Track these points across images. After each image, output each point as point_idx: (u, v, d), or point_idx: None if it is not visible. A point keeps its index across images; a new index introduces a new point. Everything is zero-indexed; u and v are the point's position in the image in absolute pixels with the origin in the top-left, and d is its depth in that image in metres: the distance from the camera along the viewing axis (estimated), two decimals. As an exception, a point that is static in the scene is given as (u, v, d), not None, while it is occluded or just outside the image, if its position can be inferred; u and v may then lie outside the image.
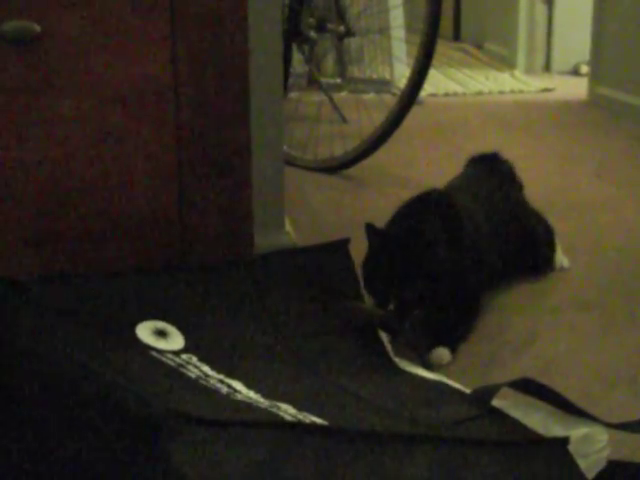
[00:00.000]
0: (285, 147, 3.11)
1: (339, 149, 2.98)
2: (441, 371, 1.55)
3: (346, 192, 2.79)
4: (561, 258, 2.07)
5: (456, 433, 1.03)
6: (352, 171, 2.94)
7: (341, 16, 3.16)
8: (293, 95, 3.89)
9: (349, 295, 1.28)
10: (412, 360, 1.30)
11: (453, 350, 1.62)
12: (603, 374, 1.56)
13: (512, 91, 4.44)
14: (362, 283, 1.59)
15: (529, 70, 5.03)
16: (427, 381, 1.19)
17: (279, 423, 0.87)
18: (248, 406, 0.91)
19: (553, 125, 3.78)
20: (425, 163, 3.11)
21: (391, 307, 1.55)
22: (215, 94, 1.21)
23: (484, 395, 1.11)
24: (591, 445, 1.12)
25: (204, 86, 1.20)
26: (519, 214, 1.99)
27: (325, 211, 2.55)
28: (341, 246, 1.29)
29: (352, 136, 2.93)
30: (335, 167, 2.98)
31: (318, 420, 0.92)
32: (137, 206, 1.21)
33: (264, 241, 2.04)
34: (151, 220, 1.22)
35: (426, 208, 1.78)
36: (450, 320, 1.67)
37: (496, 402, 1.14)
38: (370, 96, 4.24)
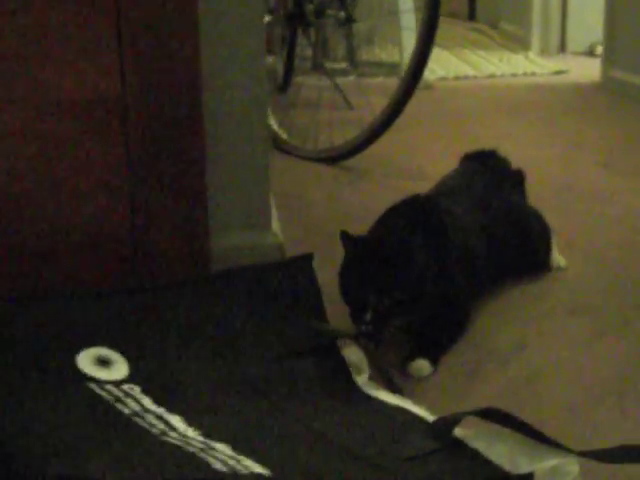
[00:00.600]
0: (285, 136, 3.07)
1: (340, 138, 2.90)
2: (420, 384, 1.49)
3: (346, 184, 2.72)
4: (558, 258, 2.00)
5: (413, 473, 0.96)
6: (354, 161, 2.86)
7: (341, 2, 3.08)
8: (298, 80, 3.83)
9: (312, 314, 1.22)
10: (375, 380, 1.23)
11: (434, 362, 1.55)
12: (591, 387, 1.49)
13: (525, 74, 4.34)
14: (340, 292, 1.53)
15: (544, 50, 4.92)
16: (390, 409, 1.12)
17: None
18: (174, 451, 0.85)
19: (564, 109, 3.69)
20: (430, 152, 3.03)
21: (367, 317, 1.49)
22: (166, 104, 1.14)
23: (445, 426, 1.05)
24: (560, 477, 1.05)
25: (154, 96, 1.14)
26: (515, 214, 1.92)
27: (324, 206, 2.48)
28: (305, 262, 1.23)
29: (355, 124, 2.84)
30: (336, 157, 2.91)
31: (256, 467, 0.86)
32: (86, 222, 1.16)
33: (249, 242, 1.98)
34: (102, 236, 1.16)
35: (407, 215, 1.70)
36: (431, 330, 1.61)
37: (460, 432, 1.07)
38: (379, 80, 4.15)
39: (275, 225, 2.05)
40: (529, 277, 1.93)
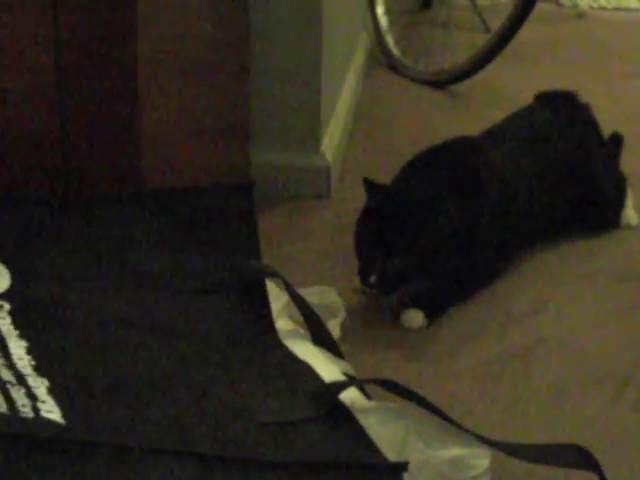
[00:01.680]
0: (398, 54, 2.90)
1: (451, 62, 2.71)
2: (417, 336, 1.36)
3: (442, 111, 2.54)
4: (630, 214, 1.78)
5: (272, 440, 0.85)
6: (462, 87, 2.66)
7: None
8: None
9: (243, 249, 1.10)
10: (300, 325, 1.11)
11: (429, 315, 1.41)
12: (592, 367, 1.30)
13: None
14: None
15: None
16: (294, 363, 0.99)
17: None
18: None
19: None
20: (547, 87, 2.77)
21: (372, 279, 1.36)
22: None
23: (329, 392, 0.92)
24: (463, 470, 0.91)
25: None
26: (583, 164, 1.70)
27: (409, 132, 2.32)
28: (244, 192, 1.10)
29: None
30: (443, 81, 2.72)
31: (53, 415, 0.76)
32: (15, 124, 1.07)
33: (292, 161, 1.87)
34: (30, 143, 1.08)
35: (441, 165, 1.52)
36: (433, 284, 1.44)
37: (355, 402, 0.94)
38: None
39: (329, 146, 1.92)
40: (591, 232, 1.72)
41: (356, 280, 1.48)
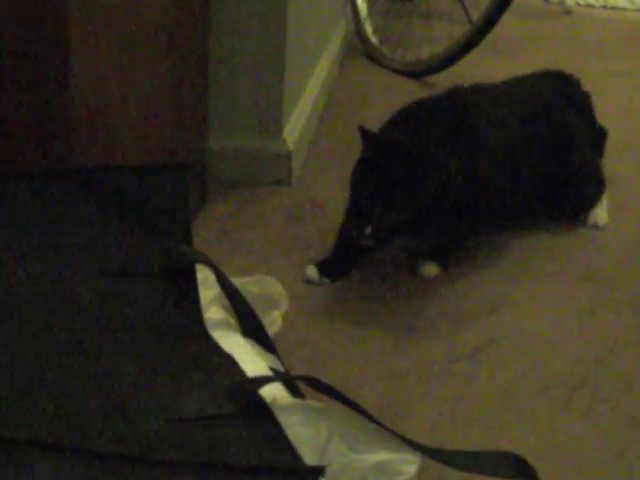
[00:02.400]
0: (376, 43, 2.83)
1: (428, 52, 2.65)
2: (356, 331, 1.29)
3: (416, 101, 2.47)
4: (599, 214, 1.72)
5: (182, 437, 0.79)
6: (439, 78, 2.60)
7: None
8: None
9: (174, 233, 1.03)
10: (228, 311, 1.05)
11: (443, 265, 1.48)
12: (543, 371, 1.24)
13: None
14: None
15: None
16: (217, 355, 0.93)
17: None
18: None
19: None
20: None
21: (368, 230, 1.33)
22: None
23: (247, 389, 0.86)
24: (388, 476, 0.85)
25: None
26: (568, 148, 1.66)
27: (379, 122, 2.25)
28: (177, 173, 1.04)
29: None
30: (420, 72, 2.66)
31: None
32: None
33: (252, 146, 1.81)
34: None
35: (438, 114, 1.49)
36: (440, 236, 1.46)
37: (277, 399, 0.88)
38: (519, 0, 3.81)
39: (293, 132, 1.86)
40: (556, 228, 1.67)
41: (310, 270, 1.43)
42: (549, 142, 1.62)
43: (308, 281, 1.43)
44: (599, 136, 1.87)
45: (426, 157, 1.35)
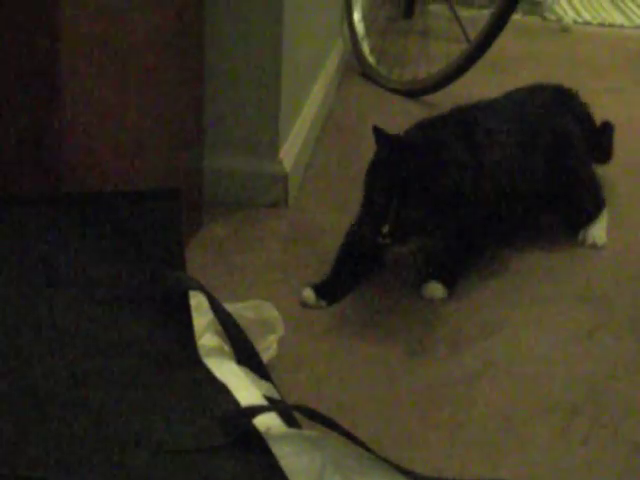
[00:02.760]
0: (373, 63, 2.83)
1: (426, 72, 2.64)
2: (352, 355, 1.28)
3: (413, 121, 2.46)
4: (597, 234, 1.71)
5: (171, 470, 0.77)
6: (437, 98, 2.59)
7: None
8: (428, 8, 3.59)
9: (166, 258, 1.02)
10: (223, 338, 1.03)
11: (448, 285, 1.46)
12: (542, 395, 1.23)
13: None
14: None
15: None
16: (210, 384, 0.92)
17: None
18: None
19: None
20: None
21: (385, 229, 1.35)
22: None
23: (239, 419, 0.84)
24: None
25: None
26: (569, 156, 1.67)
27: (372, 141, 2.24)
28: (171, 198, 1.03)
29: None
30: (417, 91, 2.65)
31: None
32: None
33: (248, 168, 1.80)
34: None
35: (449, 121, 1.54)
36: (447, 254, 1.48)
37: (272, 429, 0.87)
38: (516, 17, 3.81)
39: (289, 153, 1.85)
40: (554, 247, 1.66)
41: (306, 293, 1.42)
42: (550, 150, 1.63)
43: (305, 304, 1.41)
44: (603, 135, 1.88)
45: (440, 153, 1.39)
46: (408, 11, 3.67)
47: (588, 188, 1.71)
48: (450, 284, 1.47)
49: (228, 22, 1.72)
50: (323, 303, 1.43)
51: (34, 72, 1.00)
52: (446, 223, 1.40)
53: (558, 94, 1.83)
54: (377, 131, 1.42)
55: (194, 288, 1.00)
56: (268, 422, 0.88)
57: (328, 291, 1.44)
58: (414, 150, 1.39)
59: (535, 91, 1.81)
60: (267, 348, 1.20)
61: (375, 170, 1.42)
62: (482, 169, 1.46)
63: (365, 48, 2.90)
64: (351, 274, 1.48)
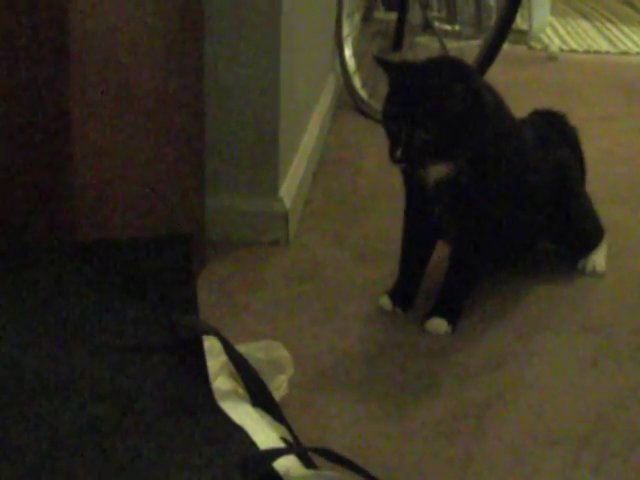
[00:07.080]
0: (365, 97, 2.86)
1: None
2: (362, 393, 1.29)
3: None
4: (597, 261, 1.73)
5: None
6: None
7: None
8: (408, 42, 3.62)
9: (178, 303, 1.04)
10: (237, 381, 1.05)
11: (451, 321, 1.49)
12: (550, 426, 1.24)
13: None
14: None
15: None
16: (227, 427, 0.93)
17: None
18: None
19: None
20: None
21: (398, 154, 1.39)
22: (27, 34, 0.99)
23: (259, 462, 0.86)
24: None
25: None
26: (565, 187, 1.68)
27: (372, 176, 2.27)
28: (182, 243, 1.04)
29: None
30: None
31: None
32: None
33: (249, 206, 1.82)
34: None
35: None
36: (449, 290, 1.52)
37: (294, 468, 0.88)
38: (504, 47, 3.85)
39: (289, 190, 1.87)
40: (555, 276, 1.68)
41: (382, 301, 1.55)
42: (550, 181, 1.64)
43: (383, 310, 1.54)
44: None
45: (447, 76, 1.40)
46: (397, 44, 3.71)
47: (587, 217, 1.73)
48: (453, 320, 1.49)
49: (227, 64, 1.75)
50: (398, 310, 1.53)
51: (45, 122, 1.01)
52: (458, 149, 1.41)
53: (552, 121, 1.83)
54: (379, 61, 1.45)
55: (208, 333, 1.01)
56: (287, 464, 0.89)
57: (402, 296, 1.54)
58: (417, 73, 1.42)
59: (532, 119, 1.82)
60: (277, 388, 1.22)
61: (387, 99, 1.44)
62: (498, 127, 1.47)
63: (357, 83, 2.93)
64: (417, 267, 1.56)
